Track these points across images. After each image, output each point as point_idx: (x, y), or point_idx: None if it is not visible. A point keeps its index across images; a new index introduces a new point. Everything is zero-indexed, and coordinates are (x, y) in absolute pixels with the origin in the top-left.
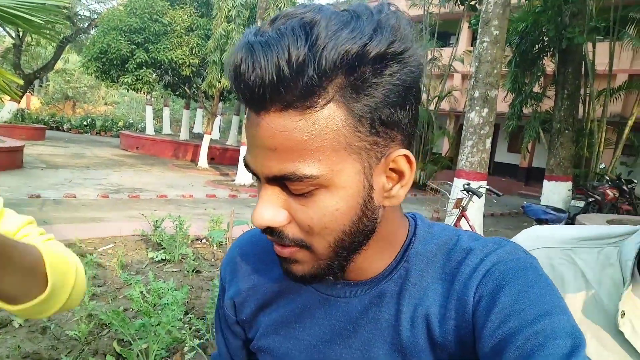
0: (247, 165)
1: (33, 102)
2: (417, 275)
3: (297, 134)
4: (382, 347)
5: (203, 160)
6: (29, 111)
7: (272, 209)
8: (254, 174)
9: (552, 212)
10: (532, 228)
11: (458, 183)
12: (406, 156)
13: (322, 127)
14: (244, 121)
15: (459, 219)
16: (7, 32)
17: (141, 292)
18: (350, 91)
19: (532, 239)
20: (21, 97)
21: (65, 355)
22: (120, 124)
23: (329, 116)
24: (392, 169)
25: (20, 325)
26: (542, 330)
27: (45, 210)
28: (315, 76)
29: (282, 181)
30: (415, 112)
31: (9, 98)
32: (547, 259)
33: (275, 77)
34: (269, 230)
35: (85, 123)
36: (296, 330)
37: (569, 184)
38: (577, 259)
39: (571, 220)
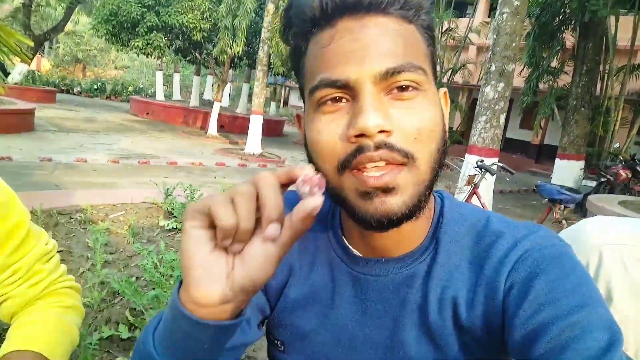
0: (334, 82)
1: (43, 64)
2: (445, 257)
3: (403, 34)
4: (411, 329)
5: (213, 127)
6: (39, 73)
7: (382, 111)
8: (344, 86)
9: (566, 192)
10: (597, 219)
11: (470, 159)
12: (445, 93)
13: (415, 37)
14: (319, 44)
15: (470, 196)
16: None
17: (153, 262)
18: (422, 23)
19: (599, 232)
20: (31, 59)
21: None
22: (130, 88)
23: (414, 32)
24: None
25: None
26: (579, 322)
27: (56, 174)
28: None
29: (392, 77)
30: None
31: (19, 59)
32: (620, 259)
33: None
34: (373, 145)
35: (95, 87)
36: (326, 308)
37: (582, 163)
38: None
39: (582, 200)
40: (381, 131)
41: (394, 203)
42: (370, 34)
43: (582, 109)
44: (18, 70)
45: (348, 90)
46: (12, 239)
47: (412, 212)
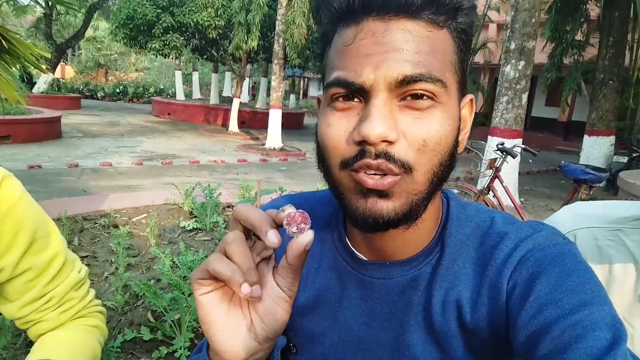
0: (348, 83)
1: (67, 71)
2: (450, 259)
3: (429, 41)
4: (416, 330)
5: (233, 124)
6: (64, 80)
7: (389, 121)
8: (357, 88)
9: (591, 171)
10: (576, 204)
11: (492, 142)
12: (472, 101)
13: (443, 45)
14: (342, 40)
15: (492, 180)
16: (37, 2)
17: (172, 263)
18: (456, 27)
19: (575, 217)
20: (55, 67)
21: None
22: (152, 90)
23: (445, 39)
24: (461, 113)
25: None
26: (581, 321)
27: (83, 179)
28: (449, 1)
29: (408, 85)
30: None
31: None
32: (592, 240)
33: None
34: (373, 153)
35: (117, 90)
36: (334, 310)
37: (612, 139)
38: (627, 240)
39: (613, 177)
40: (385, 140)
41: (384, 207)
42: (393, 39)
43: (610, 82)
44: (43, 80)
45: (361, 92)
46: (51, 269)
47: (401, 220)
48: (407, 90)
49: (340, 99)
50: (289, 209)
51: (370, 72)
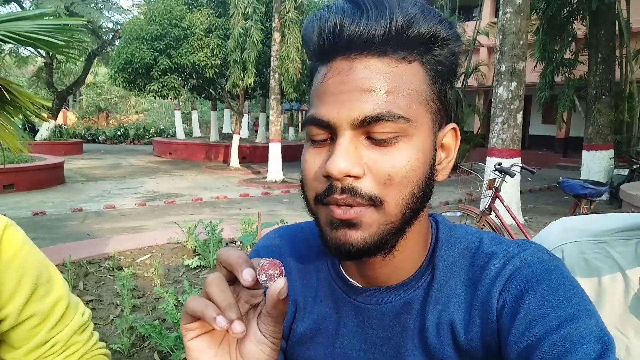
0: (318, 120)
1: (69, 117)
2: (441, 281)
3: (393, 78)
4: (413, 354)
5: (234, 160)
6: (66, 127)
7: (352, 157)
8: (326, 126)
9: (590, 186)
10: (561, 220)
11: (490, 162)
12: (454, 129)
13: (411, 78)
14: (317, 79)
15: (493, 200)
16: (38, 53)
17: (177, 301)
18: (429, 59)
19: (561, 232)
20: (57, 114)
21: None
22: (152, 130)
23: (415, 72)
24: (442, 142)
25: None
26: (569, 335)
27: (87, 223)
28: (417, 35)
29: (369, 125)
30: (452, 93)
31: (46, 116)
32: (579, 254)
33: (387, 27)
34: (339, 188)
35: (118, 133)
36: (333, 338)
37: (611, 152)
38: (613, 252)
39: (615, 190)
40: (349, 175)
41: (354, 237)
42: (356, 78)
43: (603, 97)
44: (46, 127)
45: (330, 129)
46: (54, 314)
47: (372, 249)
48: (369, 128)
49: (314, 136)
50: (260, 260)
51: (335, 111)
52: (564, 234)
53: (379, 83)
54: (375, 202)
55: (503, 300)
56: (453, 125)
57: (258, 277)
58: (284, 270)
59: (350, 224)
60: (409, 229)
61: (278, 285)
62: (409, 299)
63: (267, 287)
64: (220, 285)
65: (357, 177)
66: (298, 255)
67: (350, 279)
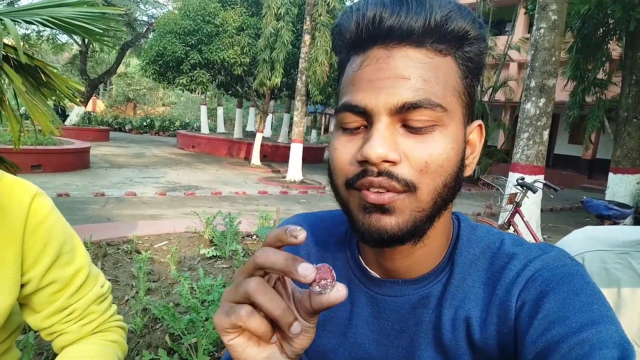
0: (353, 107)
1: (98, 105)
2: (459, 278)
3: (430, 68)
4: (427, 348)
5: (256, 157)
6: (95, 114)
7: (389, 143)
8: (362, 113)
9: (615, 207)
10: (585, 228)
11: (513, 177)
12: (480, 126)
13: (446, 70)
14: (352, 67)
15: (512, 215)
16: (74, 40)
17: (191, 287)
18: (461, 55)
19: (584, 240)
20: (87, 101)
21: None
22: (177, 123)
23: (449, 65)
24: (469, 138)
25: None
26: (588, 339)
27: (108, 208)
28: (452, 30)
29: (407, 112)
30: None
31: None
32: (601, 263)
33: (427, 20)
34: (375, 172)
35: (145, 124)
36: (344, 327)
37: (638, 177)
38: (634, 263)
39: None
40: (386, 161)
41: (388, 222)
42: (395, 66)
43: (635, 120)
44: (76, 113)
45: (366, 116)
46: (74, 282)
47: (406, 236)
48: (407, 115)
49: (348, 124)
50: (311, 270)
51: (373, 97)
52: (586, 242)
53: (417, 72)
54: (409, 188)
55: (522, 301)
56: (479, 122)
57: (316, 288)
58: (335, 275)
59: (384, 210)
60: (437, 220)
61: (341, 294)
62: (427, 293)
63: (322, 294)
64: (267, 292)
65: (393, 163)
66: (316, 242)
67: (370, 270)
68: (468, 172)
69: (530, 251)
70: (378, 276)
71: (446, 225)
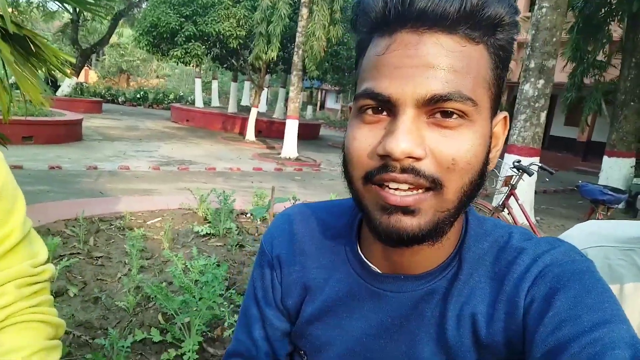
0: (376, 95)
1: (91, 76)
2: (466, 274)
3: (462, 57)
4: (427, 343)
5: (250, 133)
6: (87, 85)
7: (414, 137)
8: (385, 102)
9: (610, 192)
10: (588, 223)
11: (509, 159)
12: (505, 118)
13: (478, 60)
14: (375, 50)
15: (507, 197)
16: (65, 9)
17: (184, 266)
18: (493, 43)
19: (587, 235)
20: (79, 71)
21: (113, 327)
22: (171, 96)
23: (481, 54)
24: (494, 131)
25: (75, 294)
26: (600, 339)
27: (101, 182)
28: (488, 16)
29: (435, 104)
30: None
31: (69, 72)
32: (604, 259)
33: (463, 4)
34: (398, 168)
35: (138, 96)
36: (343, 320)
37: (632, 160)
38: (639, 260)
39: (632, 200)
40: (410, 157)
41: (409, 223)
42: (425, 53)
43: (632, 103)
44: (67, 83)
45: (389, 105)
46: None
47: (426, 236)
48: (435, 108)
49: (368, 111)
50: None
51: (399, 86)
52: (589, 237)
53: (448, 61)
54: (436, 185)
55: (531, 297)
56: (505, 113)
57: None
58: None
59: (407, 211)
60: (457, 219)
61: None
62: (431, 289)
63: None
64: None
65: (418, 159)
66: (312, 236)
67: (370, 264)
68: (491, 167)
69: (539, 246)
70: (379, 271)
71: (459, 221)
